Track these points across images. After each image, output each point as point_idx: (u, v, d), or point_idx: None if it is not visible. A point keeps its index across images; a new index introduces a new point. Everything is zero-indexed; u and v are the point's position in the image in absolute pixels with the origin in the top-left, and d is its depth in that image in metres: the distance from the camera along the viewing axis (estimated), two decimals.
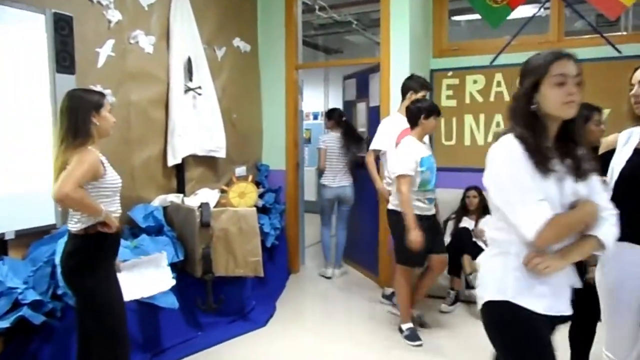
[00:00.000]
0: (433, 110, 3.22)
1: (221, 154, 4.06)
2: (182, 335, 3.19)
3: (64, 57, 2.78)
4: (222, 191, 3.80)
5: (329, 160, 4.64)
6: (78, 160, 2.01)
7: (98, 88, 3.07)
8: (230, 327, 3.42)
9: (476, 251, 3.26)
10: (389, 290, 3.94)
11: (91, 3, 3.05)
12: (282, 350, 3.18)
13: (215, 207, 3.53)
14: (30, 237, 2.71)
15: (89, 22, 3.03)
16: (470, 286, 3.77)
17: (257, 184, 4.67)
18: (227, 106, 4.22)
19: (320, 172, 4.77)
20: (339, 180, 4.57)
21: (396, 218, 3.19)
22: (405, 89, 3.60)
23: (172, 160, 3.62)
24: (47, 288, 2.53)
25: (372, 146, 3.73)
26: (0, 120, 2.52)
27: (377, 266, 4.37)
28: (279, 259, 4.42)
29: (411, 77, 3.63)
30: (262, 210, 4.30)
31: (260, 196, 4.39)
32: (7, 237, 2.58)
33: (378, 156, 3.76)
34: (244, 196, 3.42)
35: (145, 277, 2.55)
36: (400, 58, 4.10)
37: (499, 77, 4.27)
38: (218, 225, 3.28)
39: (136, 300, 2.82)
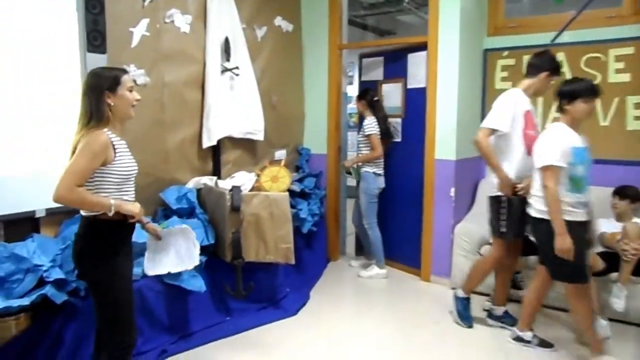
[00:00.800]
0: (594, 92, 2.65)
1: (259, 136, 3.97)
2: (211, 319, 3.16)
3: (95, 37, 2.77)
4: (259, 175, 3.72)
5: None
6: (83, 146, 1.88)
7: (131, 68, 3.07)
8: (260, 314, 3.36)
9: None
10: (499, 310, 3.27)
11: None
12: (312, 340, 3.07)
13: (251, 191, 3.45)
14: (63, 215, 2.75)
15: (123, 1, 3.00)
16: (517, 286, 3.49)
17: (297, 168, 4.57)
18: (267, 88, 4.12)
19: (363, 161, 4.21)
20: (383, 169, 4.26)
21: (546, 227, 2.63)
22: (537, 68, 2.98)
23: (207, 142, 3.57)
24: (73, 267, 2.56)
25: (490, 124, 2.96)
26: (32, 100, 2.55)
27: (418, 259, 4.15)
28: (317, 246, 4.31)
29: (544, 55, 3.01)
30: (302, 195, 4.19)
31: (300, 180, 4.28)
32: (38, 215, 2.62)
33: None
34: (277, 180, 3.31)
35: (174, 251, 2.51)
36: (449, 36, 3.80)
37: (561, 56, 3.86)
38: (249, 210, 3.20)
39: (162, 281, 2.83)
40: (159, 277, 2.80)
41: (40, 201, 2.62)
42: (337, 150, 4.51)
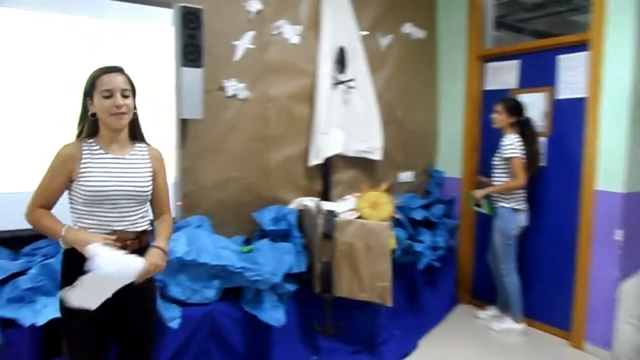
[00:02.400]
0: None
1: (376, 155, 3.58)
2: (294, 355, 2.85)
3: (191, 51, 2.73)
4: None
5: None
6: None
7: (232, 82, 2.99)
8: (352, 358, 2.93)
9: None
10: None
11: None
12: None
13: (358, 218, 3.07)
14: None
15: (226, 14, 2.95)
16: None
17: (427, 192, 4.02)
18: (390, 102, 3.71)
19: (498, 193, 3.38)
20: (524, 203, 3.37)
21: None
22: None
23: (315, 160, 3.31)
24: None
25: None
26: None
27: (568, 319, 3.23)
28: (441, 285, 3.69)
29: None
30: (427, 225, 3.65)
31: (427, 207, 3.74)
32: None
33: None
34: (377, 207, 2.87)
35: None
36: (620, 32, 2.90)
37: None
38: (342, 238, 2.82)
39: (239, 307, 2.63)
40: (234, 303, 2.63)
41: None
42: (472, 173, 3.83)
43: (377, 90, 3.57)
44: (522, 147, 3.27)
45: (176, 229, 2.73)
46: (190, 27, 2.72)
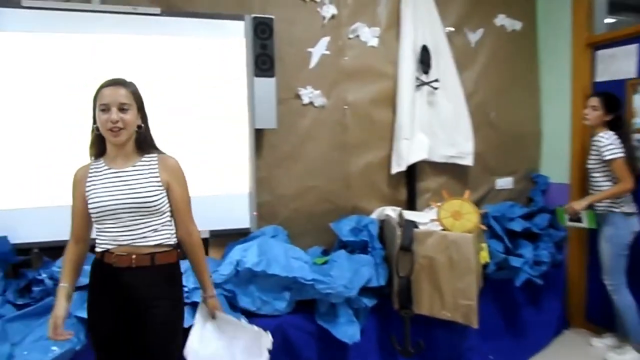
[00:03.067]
0: None
1: (467, 160, 3.28)
2: None
3: (263, 61, 2.73)
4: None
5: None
6: None
7: (307, 90, 2.94)
8: None
9: None
10: None
11: (304, 2, 2.92)
12: None
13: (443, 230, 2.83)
14: (228, 237, 2.78)
15: (300, 22, 2.92)
16: None
17: (529, 200, 3.61)
18: (482, 102, 3.39)
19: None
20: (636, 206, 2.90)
21: None
22: None
23: (396, 167, 3.13)
24: None
25: None
26: (200, 125, 2.67)
27: None
28: (546, 305, 3.26)
29: None
30: (529, 237, 3.27)
31: (529, 217, 3.36)
32: (202, 236, 2.71)
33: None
34: (460, 217, 2.60)
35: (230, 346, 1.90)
36: None
37: None
38: (422, 251, 2.61)
39: (313, 320, 2.55)
40: (308, 316, 2.55)
41: (205, 223, 2.70)
42: (582, 178, 3.34)
43: (467, 90, 3.29)
44: (622, 146, 2.82)
45: (250, 238, 2.75)
46: (262, 37, 2.72)
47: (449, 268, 2.55)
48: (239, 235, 2.77)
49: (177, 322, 1.81)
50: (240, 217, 2.76)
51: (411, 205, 3.24)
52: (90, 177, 1.72)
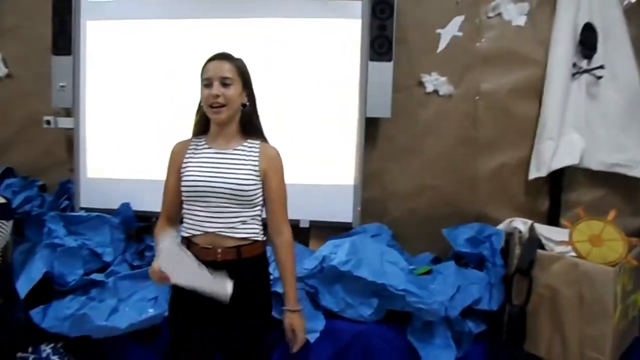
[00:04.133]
0: None
1: (637, 172, 2.56)
2: None
3: (380, 43, 2.51)
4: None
5: None
6: None
7: (432, 77, 2.63)
8: None
9: None
10: None
11: None
12: None
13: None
14: (330, 230, 2.65)
15: (428, 1, 2.58)
16: None
17: None
18: None
19: None
20: None
21: None
22: None
23: (535, 172, 2.60)
24: None
25: None
26: (308, 111, 2.57)
27: None
28: None
29: None
30: None
31: None
32: (301, 225, 2.63)
33: None
34: (600, 244, 2.00)
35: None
36: None
37: None
38: (545, 279, 2.10)
39: (406, 338, 2.27)
40: (400, 328, 2.28)
41: (307, 212, 2.62)
42: None
43: None
44: None
45: (352, 234, 2.57)
46: (381, 17, 2.49)
47: (578, 307, 2.01)
48: (341, 230, 2.61)
49: (266, 318, 1.70)
50: (343, 210, 2.60)
51: (553, 219, 2.66)
52: (189, 153, 1.64)
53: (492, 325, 2.29)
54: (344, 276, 2.27)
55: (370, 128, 2.63)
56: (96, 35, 2.67)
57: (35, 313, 2.28)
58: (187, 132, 1.73)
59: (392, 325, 2.31)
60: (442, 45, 2.61)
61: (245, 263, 1.58)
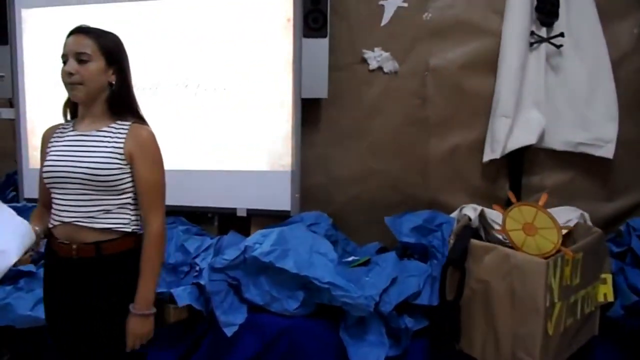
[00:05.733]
0: None
1: (604, 151, 2.28)
2: None
3: (314, 18, 2.33)
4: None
5: None
6: None
7: (376, 53, 2.43)
8: None
9: None
10: None
11: None
12: None
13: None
14: (271, 219, 2.51)
15: None
16: None
17: None
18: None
19: None
20: None
21: None
22: None
23: (490, 154, 2.36)
24: None
25: None
26: (238, 94, 2.44)
27: None
28: None
29: None
30: None
31: None
32: (238, 214, 2.51)
33: None
34: (534, 232, 1.76)
35: None
36: None
37: None
38: (477, 272, 1.89)
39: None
40: (332, 324, 2.13)
41: (243, 200, 2.50)
42: None
43: (617, 49, 2.26)
44: None
45: (289, 223, 2.43)
46: None
47: (510, 303, 1.80)
48: (281, 218, 2.48)
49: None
50: (281, 198, 2.46)
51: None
52: (54, 137, 1.53)
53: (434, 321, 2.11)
54: (269, 268, 2.14)
55: (311, 110, 2.47)
56: (33, 23, 2.62)
57: None
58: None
59: (323, 320, 2.17)
60: (385, 17, 2.39)
61: (107, 261, 1.45)
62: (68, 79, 1.43)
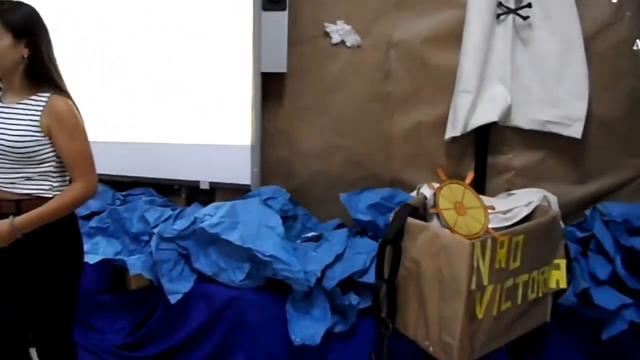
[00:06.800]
0: None
1: (572, 130, 2.14)
2: None
3: None
4: None
5: None
6: None
7: (338, 26, 2.37)
8: None
9: None
10: None
11: None
12: None
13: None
14: (234, 192, 2.54)
15: None
16: None
17: None
18: (625, 38, 2.11)
19: None
20: None
21: None
22: None
23: (451, 131, 2.27)
24: None
25: None
26: (199, 68, 2.46)
27: None
28: None
29: None
30: None
31: None
32: (201, 186, 2.56)
33: None
34: (464, 212, 1.69)
35: None
36: None
37: None
38: (410, 251, 1.84)
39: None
40: (280, 297, 2.15)
41: (206, 173, 2.54)
42: None
43: (592, 21, 2.10)
44: None
45: (247, 197, 2.45)
46: None
47: (438, 284, 1.75)
48: (243, 192, 2.49)
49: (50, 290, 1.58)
50: (242, 172, 2.48)
51: (479, 185, 2.33)
52: None
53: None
54: (218, 240, 2.17)
55: (274, 84, 2.45)
56: None
57: None
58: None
59: (271, 294, 2.20)
60: None
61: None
62: None
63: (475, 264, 1.66)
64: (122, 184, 2.67)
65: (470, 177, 1.75)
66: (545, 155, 2.27)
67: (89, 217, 2.52)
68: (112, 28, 2.54)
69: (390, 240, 1.89)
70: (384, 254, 1.93)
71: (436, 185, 1.86)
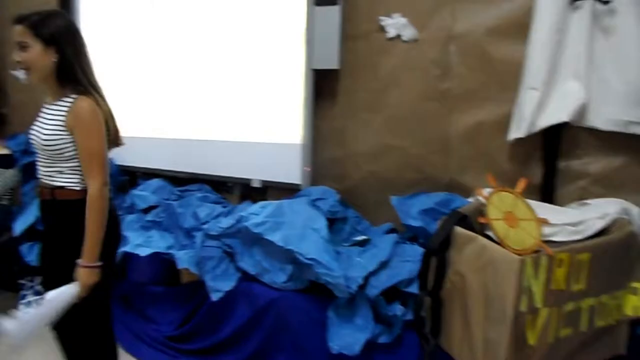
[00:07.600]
0: None
1: None
2: None
3: None
4: None
5: None
6: None
7: (394, 20, 2.24)
8: None
9: None
10: None
11: None
12: None
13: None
14: (285, 191, 2.50)
15: None
16: None
17: None
18: None
19: None
20: None
21: None
22: None
23: (515, 132, 2.05)
24: None
25: None
26: (252, 65, 2.44)
27: None
28: None
29: None
30: None
31: None
32: (252, 185, 2.55)
33: None
34: (516, 223, 1.48)
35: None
36: None
37: None
38: (457, 263, 1.68)
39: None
40: (324, 301, 2.07)
41: (259, 171, 2.52)
42: None
43: None
44: None
45: (296, 197, 2.39)
46: None
47: (483, 302, 1.57)
48: (293, 191, 2.45)
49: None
50: (293, 171, 2.44)
51: (547, 193, 2.09)
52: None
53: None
54: (262, 240, 2.15)
55: (327, 81, 2.37)
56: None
57: (25, 248, 2.67)
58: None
59: (314, 297, 2.13)
60: None
61: (59, 204, 1.66)
62: (18, 66, 1.61)
63: (525, 283, 1.47)
64: (180, 180, 2.75)
65: (522, 184, 1.55)
66: (627, 161, 1.98)
67: (146, 210, 2.63)
68: (171, 29, 2.60)
69: (435, 251, 1.74)
70: (428, 264, 1.79)
71: (486, 191, 1.68)
